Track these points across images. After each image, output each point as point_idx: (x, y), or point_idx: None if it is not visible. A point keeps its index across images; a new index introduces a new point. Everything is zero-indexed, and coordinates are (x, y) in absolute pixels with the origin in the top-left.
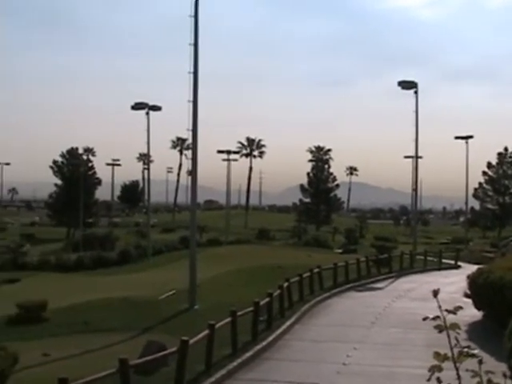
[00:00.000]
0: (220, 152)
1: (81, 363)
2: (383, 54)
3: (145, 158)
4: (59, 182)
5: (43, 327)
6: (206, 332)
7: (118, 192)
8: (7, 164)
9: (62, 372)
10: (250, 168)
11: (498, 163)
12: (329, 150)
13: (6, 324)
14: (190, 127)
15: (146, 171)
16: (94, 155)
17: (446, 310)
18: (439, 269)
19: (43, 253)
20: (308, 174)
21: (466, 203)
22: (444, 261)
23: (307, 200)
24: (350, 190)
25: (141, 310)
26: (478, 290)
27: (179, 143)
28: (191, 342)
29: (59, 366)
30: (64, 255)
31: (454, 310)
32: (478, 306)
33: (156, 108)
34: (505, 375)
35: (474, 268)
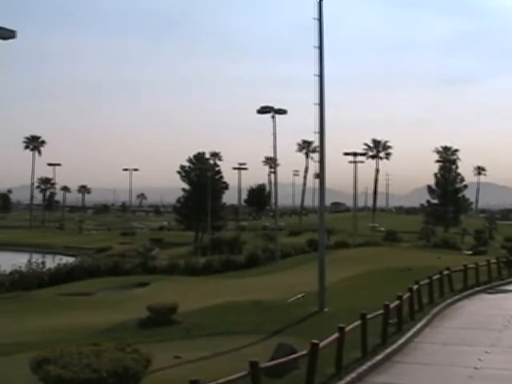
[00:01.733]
0: (346, 154)
1: (211, 365)
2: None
3: (271, 162)
4: (187, 186)
5: (174, 330)
6: (336, 335)
7: (244, 196)
8: (136, 170)
9: (194, 374)
10: (377, 170)
11: None
12: (456, 151)
13: (137, 326)
14: (317, 130)
15: (272, 175)
16: (220, 160)
17: None
18: None
19: (172, 257)
20: (435, 174)
21: None
22: None
23: (435, 201)
24: (478, 190)
25: (270, 313)
26: None
27: (305, 146)
28: (321, 344)
29: (190, 368)
30: (193, 259)
31: None
32: None
33: (281, 111)
34: None
35: None
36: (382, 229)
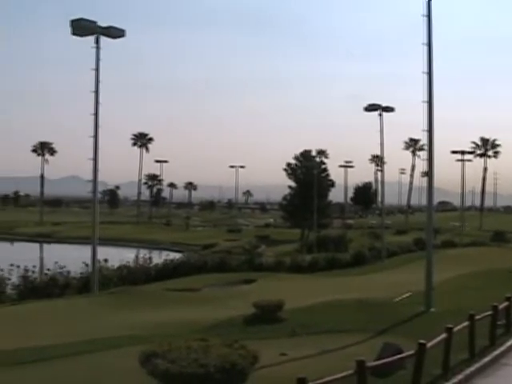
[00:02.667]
0: (454, 152)
1: (317, 363)
2: None
3: (377, 160)
4: (293, 184)
5: (279, 327)
6: (444, 335)
7: (351, 194)
8: (242, 167)
9: (300, 372)
10: (485, 169)
11: None
12: None
13: (243, 323)
14: (426, 128)
15: (378, 173)
16: (327, 157)
17: None
18: None
19: (278, 254)
20: None
21: None
22: None
23: None
24: None
25: (376, 312)
26: None
27: (412, 144)
28: (429, 345)
29: (296, 365)
30: (298, 256)
31: None
32: None
33: (389, 109)
34: None
35: None
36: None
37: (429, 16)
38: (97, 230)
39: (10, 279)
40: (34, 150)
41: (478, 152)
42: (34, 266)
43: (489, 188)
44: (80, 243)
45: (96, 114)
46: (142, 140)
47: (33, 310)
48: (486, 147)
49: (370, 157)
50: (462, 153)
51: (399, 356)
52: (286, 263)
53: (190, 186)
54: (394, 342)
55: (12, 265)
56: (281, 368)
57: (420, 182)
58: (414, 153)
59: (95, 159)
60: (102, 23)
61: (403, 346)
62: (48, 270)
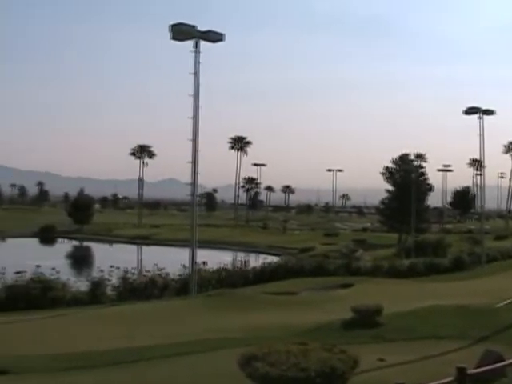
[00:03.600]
0: None
1: (416, 369)
2: None
3: (477, 164)
4: (391, 188)
5: (378, 332)
6: None
7: (449, 198)
8: (340, 171)
9: (399, 377)
10: None
11: None
12: None
13: (340, 327)
14: None
15: (477, 177)
16: (425, 161)
17: None
18: None
19: (375, 258)
20: None
21: None
22: None
23: None
24: None
25: (476, 318)
26: None
27: None
28: None
29: (395, 371)
30: (396, 261)
31: None
32: None
33: (489, 112)
34: None
35: None
36: None
37: None
38: (195, 232)
39: (110, 280)
40: (133, 153)
41: None
42: (134, 268)
43: None
44: (178, 245)
45: (195, 118)
46: (239, 143)
47: (132, 311)
48: None
49: (468, 161)
50: None
51: (500, 364)
52: (383, 268)
53: (288, 189)
54: (495, 349)
55: (112, 266)
56: (380, 373)
57: None
58: None
59: (194, 162)
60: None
61: (505, 354)
62: (147, 271)
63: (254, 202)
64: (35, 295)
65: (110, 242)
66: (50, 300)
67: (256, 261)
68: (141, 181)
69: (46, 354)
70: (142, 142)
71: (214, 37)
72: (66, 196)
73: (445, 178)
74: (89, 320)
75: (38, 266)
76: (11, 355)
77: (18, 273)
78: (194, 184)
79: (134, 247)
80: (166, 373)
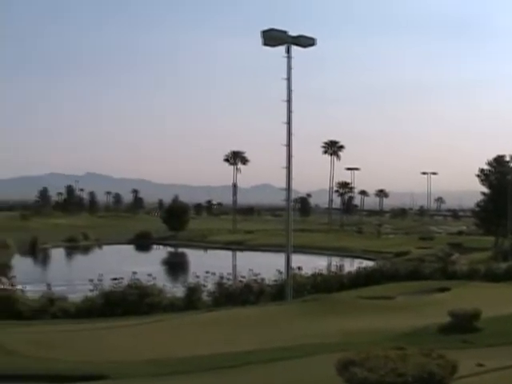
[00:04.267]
0: None
1: None
2: None
3: None
4: (486, 190)
5: (476, 336)
6: None
7: None
8: (434, 174)
9: (499, 383)
10: None
11: None
12: None
13: (437, 332)
14: None
15: None
16: None
17: None
18: None
19: (471, 262)
20: None
21: None
22: None
23: None
24: None
25: None
26: None
27: None
28: None
29: (495, 377)
30: (493, 264)
31: None
32: None
33: None
34: None
35: None
36: None
37: None
38: (290, 237)
39: (205, 286)
40: (227, 160)
41: None
42: (229, 273)
43: None
44: (272, 251)
45: (289, 123)
46: (332, 148)
47: (228, 316)
48: None
49: None
50: None
51: None
52: (480, 271)
53: (382, 193)
54: None
55: (207, 272)
56: (479, 379)
57: None
58: None
59: (288, 167)
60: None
61: None
62: (242, 277)
63: (348, 207)
64: (132, 301)
65: (205, 248)
66: (147, 306)
67: (351, 265)
68: (235, 187)
69: (143, 360)
70: (235, 148)
71: (306, 41)
72: (160, 203)
73: None
74: (185, 325)
75: (135, 273)
76: (109, 361)
77: (114, 279)
78: (288, 189)
79: (228, 253)
80: (263, 378)
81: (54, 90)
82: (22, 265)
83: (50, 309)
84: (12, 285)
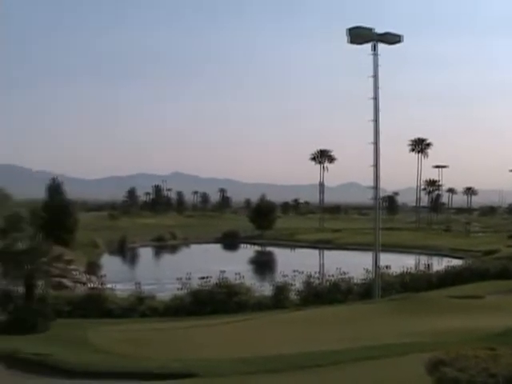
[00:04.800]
0: None
1: None
2: None
3: None
4: None
5: None
6: None
7: None
8: None
9: None
10: None
11: None
12: None
13: None
14: None
15: None
16: None
17: None
18: None
19: None
20: None
21: None
22: None
23: None
24: None
25: None
26: None
27: None
28: None
29: None
30: None
31: None
32: None
33: None
34: None
35: None
36: None
37: None
38: (378, 236)
39: (293, 285)
40: (313, 158)
41: None
42: (316, 272)
43: None
44: (359, 249)
45: (376, 121)
46: (420, 145)
47: (316, 315)
48: None
49: None
50: None
51: None
52: None
53: (470, 191)
54: None
55: (295, 271)
56: None
57: None
58: None
59: (376, 166)
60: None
61: None
62: (330, 275)
63: (435, 205)
64: (220, 300)
65: (292, 247)
66: (235, 304)
67: (439, 264)
68: (321, 185)
69: (232, 358)
70: (322, 147)
71: (392, 39)
72: (247, 202)
73: None
74: (273, 324)
75: (223, 271)
76: (198, 359)
77: (202, 278)
78: (376, 187)
79: (315, 252)
80: (351, 377)
81: (148, 92)
82: (110, 264)
83: (139, 307)
84: (102, 284)
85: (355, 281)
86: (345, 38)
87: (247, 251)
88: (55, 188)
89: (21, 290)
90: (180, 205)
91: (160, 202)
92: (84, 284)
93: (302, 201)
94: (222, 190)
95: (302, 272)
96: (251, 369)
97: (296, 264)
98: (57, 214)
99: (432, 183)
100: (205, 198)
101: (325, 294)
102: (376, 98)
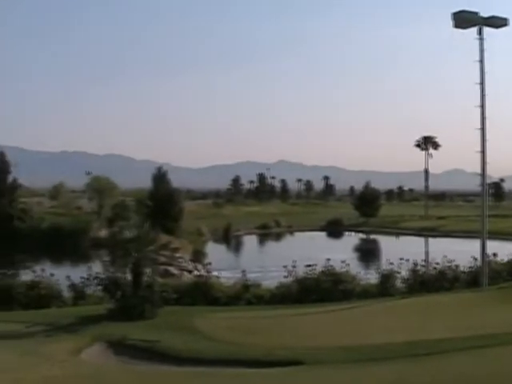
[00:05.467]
0: None
1: None
2: None
3: None
4: None
5: None
6: None
7: None
8: None
9: None
10: None
11: None
12: None
13: None
14: None
15: None
16: None
17: None
18: None
19: None
20: None
21: None
22: None
23: None
24: None
25: None
26: None
27: None
28: None
29: None
30: None
31: None
32: None
33: None
34: None
35: None
36: None
37: None
38: (485, 223)
39: (399, 273)
40: (418, 145)
41: None
42: (422, 260)
43: None
44: (465, 237)
45: (482, 106)
46: None
47: (423, 303)
48: None
49: None
50: None
51: None
52: None
53: None
54: None
55: (401, 258)
56: None
57: None
58: None
59: (483, 152)
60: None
61: None
62: (436, 263)
63: None
64: (326, 288)
65: (397, 235)
66: (341, 292)
67: None
68: (426, 172)
69: (338, 346)
70: (426, 133)
71: (498, 22)
72: (352, 190)
73: None
74: (380, 312)
75: (328, 259)
76: (305, 346)
77: (308, 266)
78: (483, 174)
79: (420, 239)
80: (458, 366)
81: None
82: (215, 252)
83: (245, 295)
84: (208, 271)
85: (462, 269)
86: (450, 22)
87: (351, 239)
88: (161, 177)
89: (128, 277)
90: (284, 193)
91: (264, 190)
92: (190, 272)
93: (406, 188)
94: (326, 178)
95: (408, 260)
96: (357, 357)
97: (401, 252)
98: (162, 202)
99: None
100: (309, 185)
101: (431, 282)
102: (482, 83)
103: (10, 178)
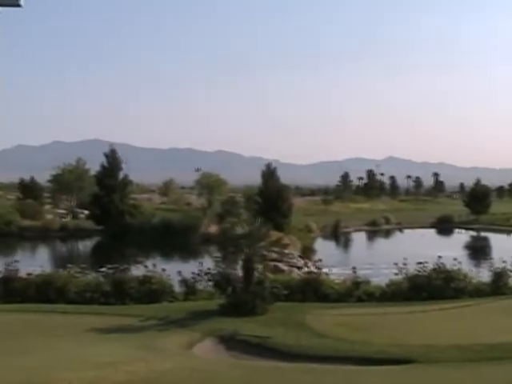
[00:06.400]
0: None
1: None
2: None
3: None
4: None
5: None
6: None
7: None
8: None
9: None
10: None
11: None
12: None
13: None
14: None
15: None
16: None
17: None
18: None
19: None
20: None
21: None
22: None
23: None
24: None
25: None
26: None
27: None
28: None
29: None
30: None
31: None
32: None
33: None
34: None
35: None
36: None
37: None
38: None
39: None
40: None
41: None
42: None
43: None
44: None
45: None
46: None
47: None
48: None
49: None
50: None
51: None
52: None
53: None
54: None
55: None
56: None
57: None
58: None
59: None
60: None
61: None
62: None
63: None
64: (437, 286)
65: (508, 232)
66: (452, 290)
67: None
68: None
69: (450, 345)
70: None
71: None
72: (462, 186)
73: None
74: (494, 311)
75: (440, 257)
76: (417, 345)
77: (420, 263)
78: None
79: None
80: None
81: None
82: (324, 248)
83: (355, 292)
84: (318, 268)
85: None
86: None
87: (462, 236)
88: (270, 173)
89: (239, 273)
90: (393, 189)
91: (373, 187)
92: (299, 268)
93: None
94: (436, 174)
95: None
96: (470, 356)
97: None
98: (272, 199)
99: None
100: (418, 182)
101: None
102: None
103: (121, 175)
